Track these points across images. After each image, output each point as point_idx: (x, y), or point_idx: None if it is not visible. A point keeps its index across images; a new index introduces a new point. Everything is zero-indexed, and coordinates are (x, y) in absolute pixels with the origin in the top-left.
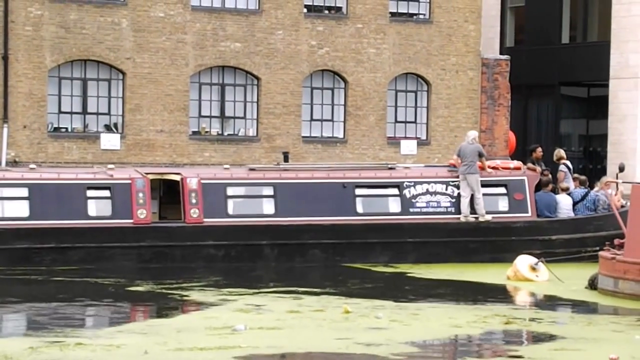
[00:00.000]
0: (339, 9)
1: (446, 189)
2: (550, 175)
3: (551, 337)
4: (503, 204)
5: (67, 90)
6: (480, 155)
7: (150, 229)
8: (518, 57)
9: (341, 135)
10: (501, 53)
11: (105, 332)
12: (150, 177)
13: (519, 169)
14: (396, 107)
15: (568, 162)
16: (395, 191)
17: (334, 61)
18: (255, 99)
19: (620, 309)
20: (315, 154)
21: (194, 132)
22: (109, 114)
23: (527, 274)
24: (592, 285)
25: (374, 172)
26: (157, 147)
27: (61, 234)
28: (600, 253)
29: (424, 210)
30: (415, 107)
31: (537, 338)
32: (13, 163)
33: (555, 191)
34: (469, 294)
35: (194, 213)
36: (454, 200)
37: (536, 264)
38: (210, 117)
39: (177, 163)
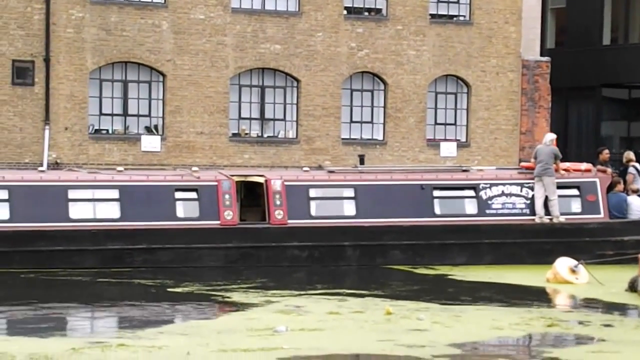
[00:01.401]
0: (378, 10)
1: (521, 191)
2: (618, 177)
3: (590, 340)
4: (576, 206)
5: (108, 92)
6: (556, 157)
7: (237, 230)
8: (559, 58)
9: (381, 137)
10: (542, 55)
11: (146, 333)
12: (235, 179)
13: (589, 170)
14: (436, 109)
15: (637, 165)
16: (472, 193)
17: (374, 63)
18: (294, 101)
19: None
20: (355, 156)
21: (234, 134)
22: (149, 115)
23: (566, 276)
24: (632, 287)
25: (451, 174)
26: (197, 149)
27: (151, 235)
28: None
29: (500, 211)
30: (455, 109)
31: (576, 340)
32: (54, 165)
33: (625, 193)
34: (510, 297)
35: (278, 214)
36: (528, 201)
37: (576, 266)
38: (250, 119)
39: (217, 165)
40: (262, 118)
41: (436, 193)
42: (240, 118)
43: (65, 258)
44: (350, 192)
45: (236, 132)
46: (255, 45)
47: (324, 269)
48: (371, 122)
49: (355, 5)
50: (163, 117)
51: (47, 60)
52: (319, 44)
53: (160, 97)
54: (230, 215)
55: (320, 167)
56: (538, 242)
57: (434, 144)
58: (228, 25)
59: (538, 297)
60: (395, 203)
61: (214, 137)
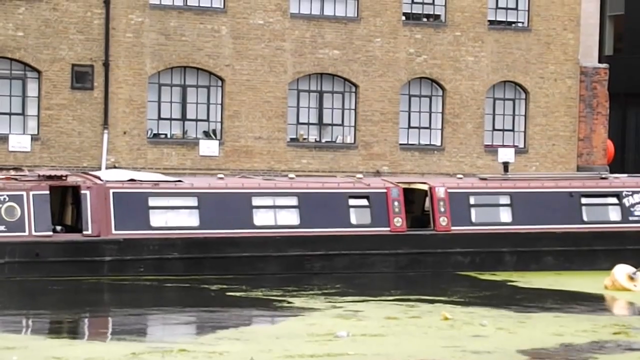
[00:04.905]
0: (437, 16)
1: None
2: None
3: None
4: None
5: (167, 97)
6: None
7: (406, 237)
8: (617, 65)
9: (439, 143)
10: (600, 61)
11: (207, 338)
12: (402, 186)
13: None
14: (494, 115)
15: None
16: (615, 200)
17: (432, 69)
18: (353, 106)
19: None
20: (413, 162)
21: (292, 139)
22: (207, 120)
23: (625, 283)
24: None
25: (595, 182)
26: (255, 154)
27: (328, 241)
28: None
29: None
30: (513, 115)
31: (632, 347)
32: (113, 169)
33: None
34: (571, 303)
35: (442, 221)
36: None
37: (634, 273)
38: (308, 124)
39: (274, 170)
40: (320, 123)
41: (584, 200)
42: (298, 123)
43: (250, 264)
44: (506, 200)
45: (294, 137)
46: (314, 51)
47: (401, 276)
48: (429, 127)
49: (413, 11)
50: (221, 122)
51: (106, 65)
52: (377, 50)
53: (219, 101)
54: (399, 222)
55: (378, 173)
56: None
57: (491, 150)
58: (287, 31)
59: (599, 304)
60: (546, 210)
61: (272, 142)
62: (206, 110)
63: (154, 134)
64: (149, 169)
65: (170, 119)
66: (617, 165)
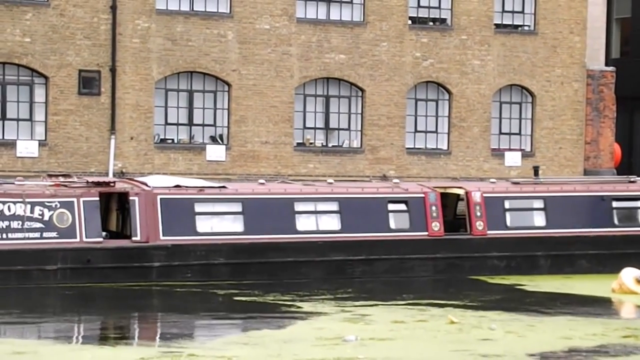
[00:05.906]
0: (443, 20)
1: None
2: None
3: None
4: None
5: (174, 102)
6: None
7: (444, 241)
8: (624, 68)
9: (445, 147)
10: (607, 64)
11: (215, 343)
12: (438, 190)
13: None
14: (500, 118)
15: None
16: None
17: (439, 73)
18: (359, 111)
19: None
20: (419, 166)
21: (299, 144)
22: (214, 125)
23: (632, 286)
24: None
25: (626, 186)
26: (262, 159)
27: (369, 246)
28: None
29: None
30: (520, 118)
31: (627, 350)
32: (120, 174)
33: None
34: (579, 307)
35: (479, 225)
36: None
37: None
38: (315, 128)
39: (281, 174)
40: (327, 127)
41: (615, 204)
42: (305, 127)
43: (294, 269)
44: (540, 204)
45: (301, 141)
46: (320, 55)
47: (412, 280)
48: (436, 131)
49: (420, 15)
50: (228, 127)
51: (113, 70)
52: (383, 54)
53: (226, 106)
54: (437, 226)
55: (384, 177)
56: None
57: (498, 153)
58: (293, 35)
59: (607, 307)
60: (579, 214)
61: (279, 147)
62: (213, 115)
63: (161, 139)
64: (156, 174)
65: (177, 124)
66: (624, 168)
